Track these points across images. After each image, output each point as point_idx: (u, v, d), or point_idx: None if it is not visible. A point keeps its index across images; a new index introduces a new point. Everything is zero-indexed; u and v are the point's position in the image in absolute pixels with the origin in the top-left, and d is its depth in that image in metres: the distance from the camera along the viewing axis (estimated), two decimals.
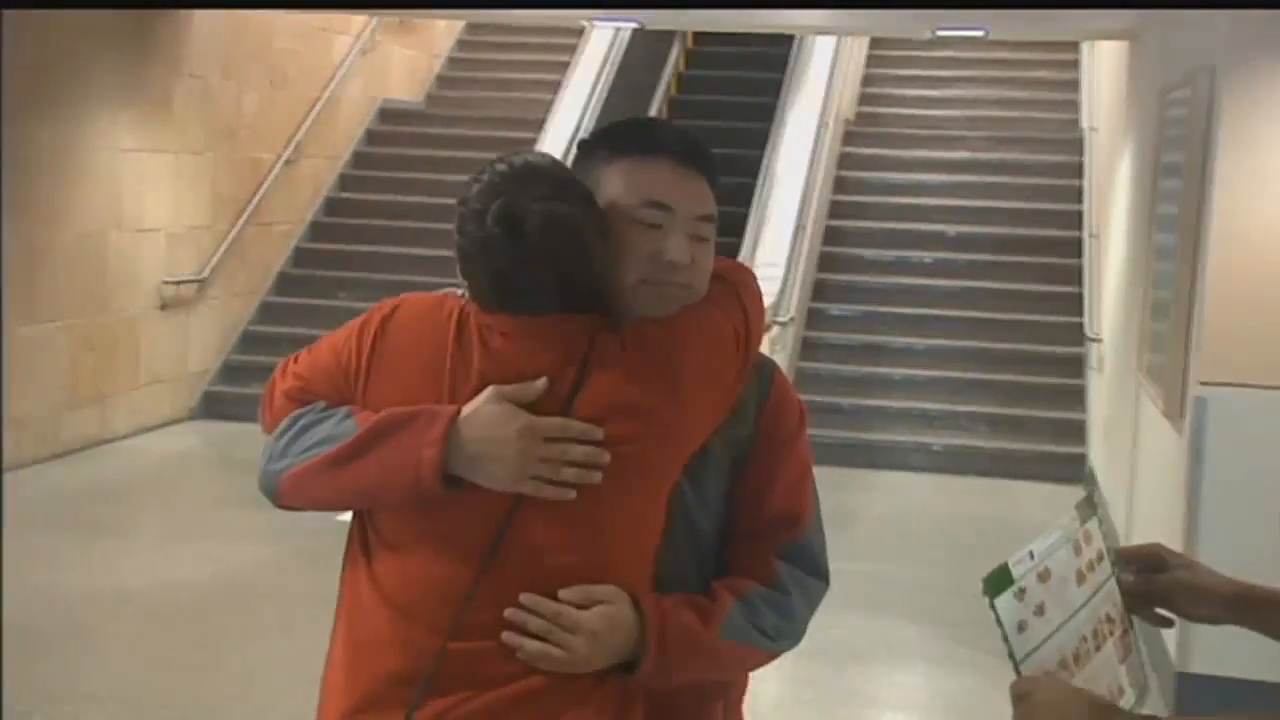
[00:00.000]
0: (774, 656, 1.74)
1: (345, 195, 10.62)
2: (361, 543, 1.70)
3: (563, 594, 1.60)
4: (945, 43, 10.63)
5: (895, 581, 6.21)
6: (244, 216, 9.42)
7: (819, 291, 9.61)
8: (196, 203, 8.99)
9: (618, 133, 1.75)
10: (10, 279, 7.21)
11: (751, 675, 4.95)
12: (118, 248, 8.20)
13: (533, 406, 1.61)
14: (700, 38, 12.20)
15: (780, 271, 8.57)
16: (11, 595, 5.17)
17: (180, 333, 8.87)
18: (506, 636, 1.59)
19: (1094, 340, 8.36)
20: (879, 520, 7.44)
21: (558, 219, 1.61)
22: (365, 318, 1.73)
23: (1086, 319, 8.57)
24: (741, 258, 8.71)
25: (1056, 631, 1.50)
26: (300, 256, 10.12)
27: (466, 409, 1.61)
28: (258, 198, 9.56)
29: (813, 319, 9.44)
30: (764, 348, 6.76)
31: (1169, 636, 4.66)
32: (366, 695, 1.62)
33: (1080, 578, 1.57)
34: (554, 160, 1.68)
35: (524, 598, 1.59)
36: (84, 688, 4.59)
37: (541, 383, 1.61)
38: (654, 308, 1.68)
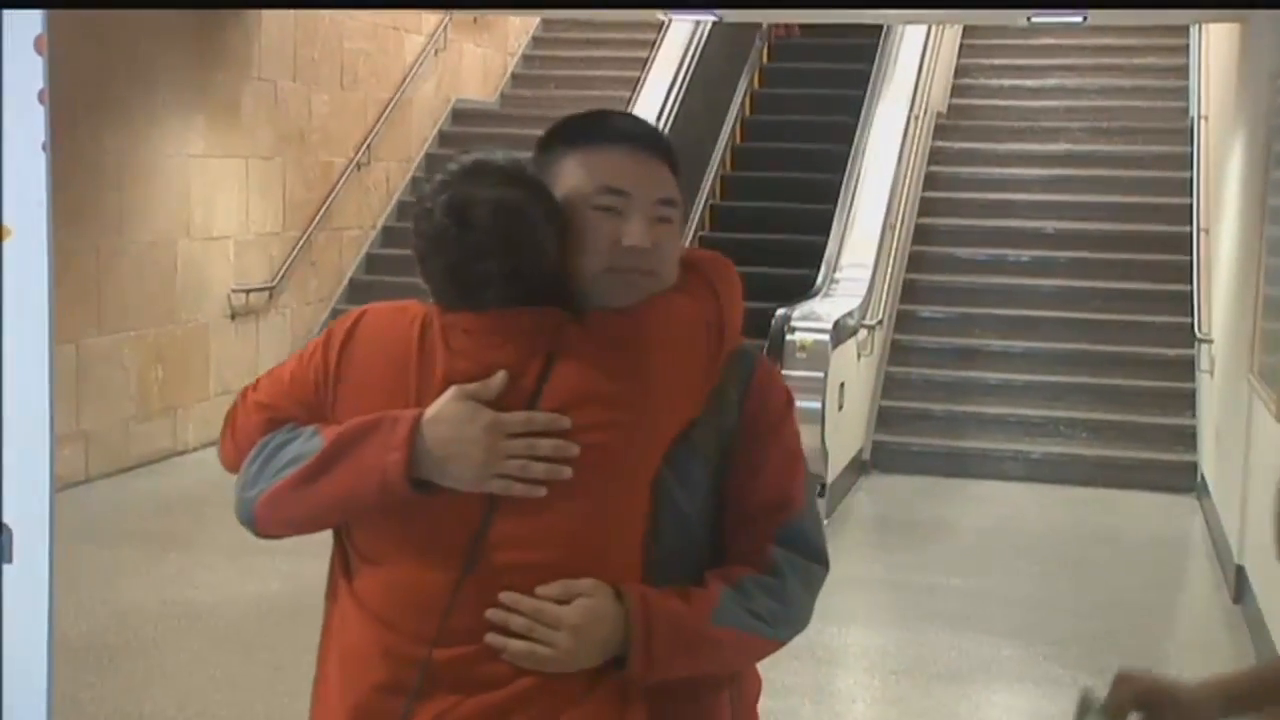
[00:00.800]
0: (777, 644, 1.73)
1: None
2: (342, 561, 1.70)
3: (540, 590, 1.59)
4: (1042, 30, 10.29)
5: (990, 596, 6.04)
6: (314, 222, 9.37)
7: (909, 293, 9.37)
8: (266, 209, 8.93)
9: (572, 125, 1.76)
10: (78, 289, 7.19)
11: (838, 692, 4.57)
12: (187, 256, 8.15)
13: (499, 402, 1.60)
14: (775, 53, 11.87)
15: (868, 272, 8.37)
16: (80, 610, 5.20)
17: (250, 342, 8.79)
18: (490, 638, 1.58)
19: (1204, 341, 8.08)
20: (973, 532, 7.26)
21: (504, 205, 1.62)
22: (329, 331, 1.73)
23: (1196, 319, 8.24)
24: (826, 258, 8.53)
25: None
26: (372, 262, 10.06)
27: (430, 411, 1.61)
28: (329, 203, 9.51)
29: (902, 321, 9.22)
30: (851, 350, 6.47)
31: None
32: (356, 709, 1.63)
33: None
34: (508, 155, 1.68)
35: (504, 596, 1.59)
36: (150, 705, 4.58)
37: (501, 377, 1.60)
38: (618, 296, 1.67)
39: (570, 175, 1.68)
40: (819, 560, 1.75)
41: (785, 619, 1.71)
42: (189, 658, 5.04)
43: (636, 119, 1.79)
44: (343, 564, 1.70)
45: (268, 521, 1.69)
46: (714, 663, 1.70)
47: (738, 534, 1.72)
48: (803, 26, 11.92)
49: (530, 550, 1.60)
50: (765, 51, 11.76)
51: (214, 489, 7.60)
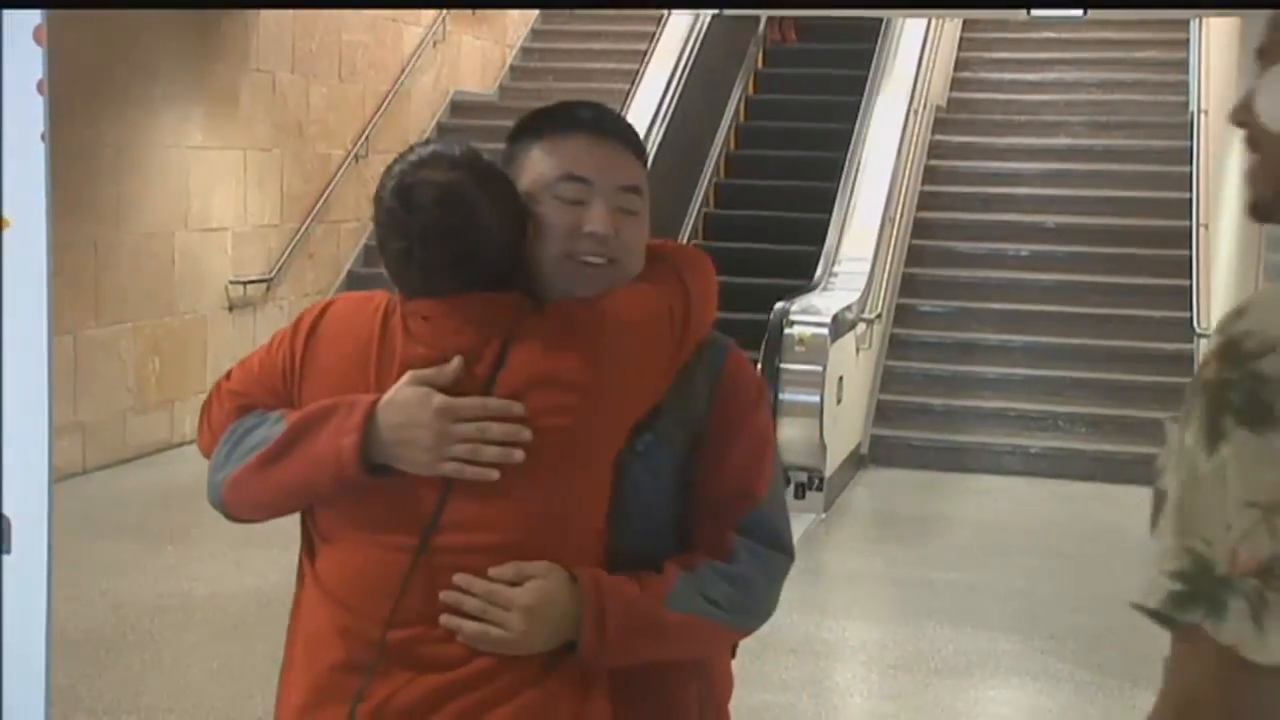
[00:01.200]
0: (738, 632, 1.74)
1: None
2: (306, 542, 1.73)
3: (493, 571, 1.60)
4: (1042, 23, 10.27)
5: (989, 591, 6.03)
6: (312, 214, 9.34)
7: (908, 287, 9.35)
8: (264, 201, 8.91)
9: (537, 116, 1.78)
10: (76, 281, 7.16)
11: (836, 686, 4.56)
12: (184, 248, 8.13)
13: (455, 387, 1.62)
14: (770, 59, 11.74)
15: (867, 266, 8.36)
16: (76, 603, 5.16)
17: (248, 334, 8.75)
18: (444, 619, 1.60)
19: (1204, 336, 8.03)
20: (972, 526, 7.24)
21: (446, 189, 1.64)
22: (297, 320, 1.77)
23: (1196, 314, 8.25)
24: (825, 252, 8.51)
25: None
26: (370, 255, 9.92)
27: (385, 396, 1.63)
28: (327, 195, 9.48)
29: (901, 315, 9.21)
30: (849, 344, 6.43)
31: None
32: (315, 689, 1.66)
33: None
34: (468, 147, 1.70)
35: (457, 578, 1.60)
36: (147, 698, 4.56)
37: (456, 364, 1.63)
38: (578, 285, 1.68)
39: (535, 164, 1.70)
40: (782, 550, 1.74)
41: (744, 607, 1.70)
42: (186, 650, 5.03)
43: (600, 107, 1.79)
44: (306, 542, 1.73)
45: (235, 504, 1.73)
46: (669, 649, 1.69)
47: (702, 522, 1.72)
48: (799, 31, 11.82)
49: (485, 533, 1.61)
50: (760, 57, 11.65)
51: None
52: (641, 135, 1.99)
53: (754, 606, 1.72)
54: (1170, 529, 1.13)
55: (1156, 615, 1.12)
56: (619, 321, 1.67)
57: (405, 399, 1.61)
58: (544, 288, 1.68)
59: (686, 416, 1.71)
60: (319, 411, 1.65)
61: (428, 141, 1.73)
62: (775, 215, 9.81)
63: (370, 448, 1.61)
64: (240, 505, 1.73)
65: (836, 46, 11.19)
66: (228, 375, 1.82)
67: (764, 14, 10.86)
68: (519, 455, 1.59)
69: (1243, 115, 1.26)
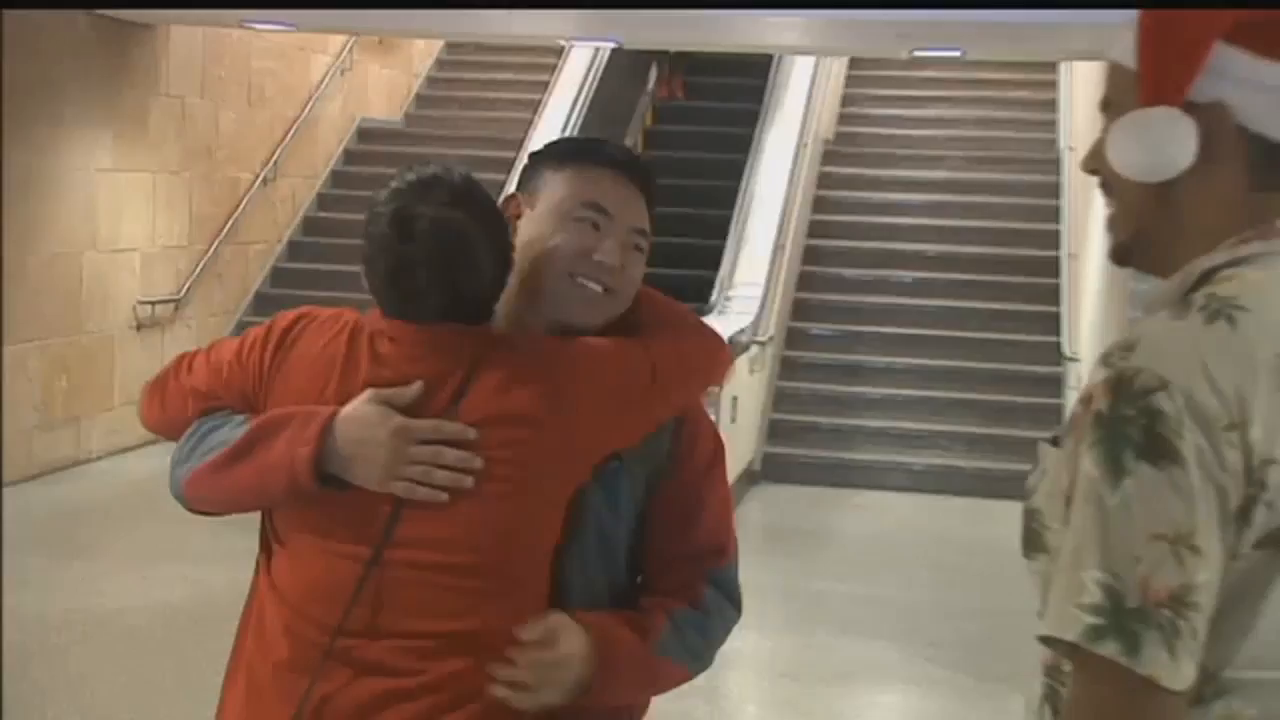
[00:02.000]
0: (689, 678, 1.78)
1: (323, 215, 10.55)
2: (263, 540, 1.75)
3: (524, 635, 1.63)
4: (923, 62, 10.66)
5: (873, 602, 6.19)
6: (221, 236, 9.37)
7: (798, 310, 9.59)
8: (173, 222, 8.93)
9: (566, 145, 1.85)
10: None
11: (730, 694, 4.51)
12: (93, 268, 8.13)
13: (415, 411, 1.64)
14: (659, 115, 11.85)
15: (759, 291, 8.55)
16: None
17: (156, 353, 8.74)
18: (493, 689, 1.62)
19: (1072, 360, 8.37)
20: (858, 540, 7.41)
21: (446, 224, 1.64)
22: (268, 326, 1.78)
23: (1065, 338, 8.58)
24: (720, 276, 8.67)
25: None
26: (278, 276, 10.06)
27: (344, 410, 1.65)
28: (235, 217, 9.52)
29: (792, 338, 9.43)
30: (743, 367, 6.63)
31: None
32: (259, 685, 1.68)
33: None
34: (466, 176, 1.71)
35: (509, 652, 1.62)
36: (54, 711, 4.54)
37: (416, 386, 1.65)
38: (576, 310, 1.73)
39: (557, 188, 1.75)
40: (738, 607, 1.81)
41: (703, 655, 1.78)
42: (94, 666, 4.99)
43: (628, 150, 1.87)
44: (264, 540, 1.76)
45: (193, 499, 1.76)
46: (650, 689, 1.77)
47: (676, 565, 1.77)
48: (685, 89, 12.02)
49: (435, 552, 1.63)
50: (649, 114, 11.82)
51: (118, 498, 7.63)
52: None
53: (709, 656, 1.80)
54: (1079, 562, 1.13)
55: (1073, 648, 1.13)
56: (588, 363, 1.68)
57: (364, 415, 1.63)
58: (539, 307, 1.73)
59: (649, 454, 1.75)
60: (278, 418, 1.67)
61: (427, 162, 1.72)
62: (663, 273, 9.83)
63: (324, 459, 1.62)
64: (198, 500, 1.76)
65: (725, 105, 11.35)
66: (190, 366, 1.82)
67: (653, 45, 11.08)
68: (469, 482, 1.61)
69: (1094, 163, 1.30)
